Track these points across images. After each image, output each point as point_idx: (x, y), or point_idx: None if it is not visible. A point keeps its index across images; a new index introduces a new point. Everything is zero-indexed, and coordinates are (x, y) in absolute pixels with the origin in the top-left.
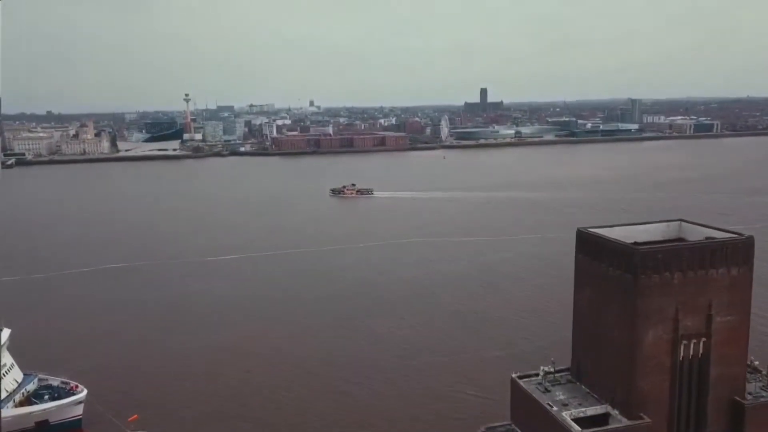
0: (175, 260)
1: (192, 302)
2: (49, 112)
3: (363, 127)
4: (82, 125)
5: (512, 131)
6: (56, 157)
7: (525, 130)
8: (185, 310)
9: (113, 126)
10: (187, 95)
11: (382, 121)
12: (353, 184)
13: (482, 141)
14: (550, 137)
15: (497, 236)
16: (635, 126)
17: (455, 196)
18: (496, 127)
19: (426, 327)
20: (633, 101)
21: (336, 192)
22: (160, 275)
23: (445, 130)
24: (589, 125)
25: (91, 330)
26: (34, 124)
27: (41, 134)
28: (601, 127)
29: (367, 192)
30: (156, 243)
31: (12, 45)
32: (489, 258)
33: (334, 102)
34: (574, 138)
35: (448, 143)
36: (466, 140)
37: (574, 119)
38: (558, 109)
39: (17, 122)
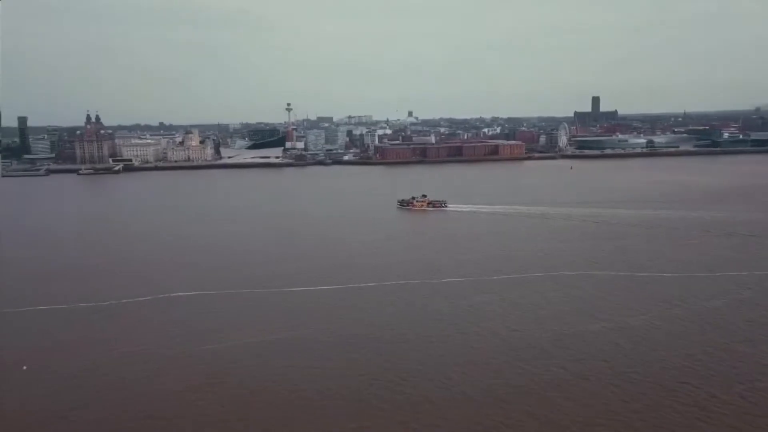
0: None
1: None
2: (161, 123)
3: (466, 137)
4: (188, 132)
5: (643, 140)
6: (161, 164)
7: (658, 139)
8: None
9: (218, 134)
10: (288, 105)
11: (486, 130)
12: (424, 195)
13: (608, 151)
14: (687, 147)
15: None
16: None
17: (598, 213)
18: (623, 136)
19: None
20: None
21: (404, 204)
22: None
23: (563, 139)
24: (726, 135)
25: None
26: (146, 134)
27: (149, 141)
28: (751, 136)
29: (440, 204)
30: (220, 266)
31: (125, 61)
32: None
33: (432, 113)
34: (717, 149)
35: (569, 152)
36: (588, 150)
37: (708, 128)
38: (680, 119)
39: (131, 132)
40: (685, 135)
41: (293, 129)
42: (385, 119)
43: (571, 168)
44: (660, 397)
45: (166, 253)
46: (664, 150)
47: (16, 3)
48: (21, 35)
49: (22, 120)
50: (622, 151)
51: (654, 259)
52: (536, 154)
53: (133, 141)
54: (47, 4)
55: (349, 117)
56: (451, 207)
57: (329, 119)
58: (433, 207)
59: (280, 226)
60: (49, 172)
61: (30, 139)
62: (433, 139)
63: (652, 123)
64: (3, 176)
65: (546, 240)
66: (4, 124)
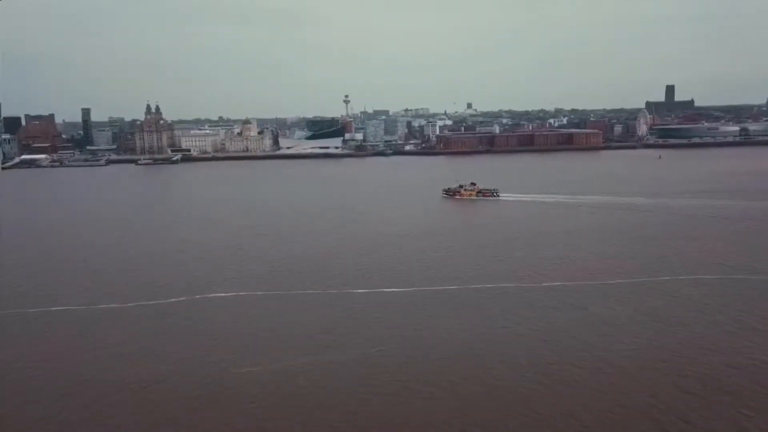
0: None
1: None
2: (220, 118)
3: (531, 128)
4: (246, 123)
5: (735, 128)
6: (219, 154)
7: (753, 127)
8: None
9: (276, 126)
10: (346, 96)
11: (551, 121)
12: (473, 184)
13: (695, 139)
14: None
15: None
16: None
17: (712, 204)
18: (711, 124)
19: None
20: None
21: (450, 193)
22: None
23: (643, 128)
24: None
25: None
26: (206, 126)
27: (207, 132)
28: None
29: (491, 193)
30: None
31: (186, 60)
32: None
33: (491, 106)
34: None
35: (651, 142)
36: (672, 138)
37: None
38: (764, 108)
39: (191, 125)
40: None
41: (351, 121)
42: (443, 111)
43: (660, 157)
44: None
45: (215, 248)
46: (761, 138)
47: (91, 5)
48: (88, 34)
49: (86, 112)
50: (712, 140)
51: None
52: (614, 143)
53: (192, 132)
54: (118, 5)
55: (406, 110)
56: (505, 196)
57: (385, 112)
58: (483, 196)
59: (323, 219)
60: (109, 162)
61: (93, 131)
62: (497, 129)
63: (736, 112)
64: (66, 166)
65: (645, 236)
66: (71, 119)
